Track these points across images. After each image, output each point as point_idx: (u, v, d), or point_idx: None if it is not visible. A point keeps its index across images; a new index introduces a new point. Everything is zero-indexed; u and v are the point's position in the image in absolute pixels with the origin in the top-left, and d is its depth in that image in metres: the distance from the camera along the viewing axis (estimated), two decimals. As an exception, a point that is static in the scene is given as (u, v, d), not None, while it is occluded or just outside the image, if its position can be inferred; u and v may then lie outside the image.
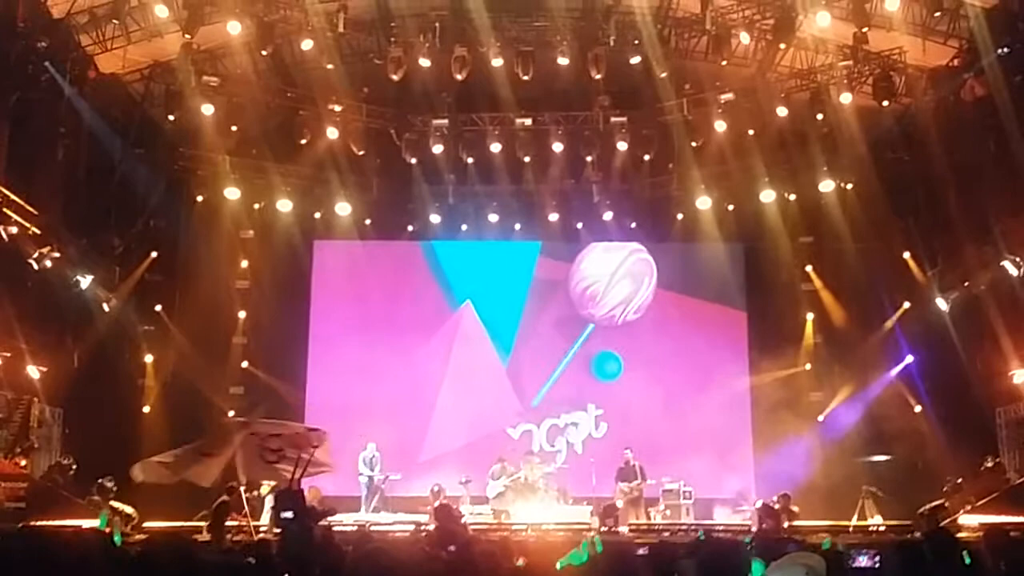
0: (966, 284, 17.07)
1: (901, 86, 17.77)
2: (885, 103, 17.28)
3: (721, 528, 16.24)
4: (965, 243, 16.76)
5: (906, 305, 18.81)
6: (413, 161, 19.67)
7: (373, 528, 14.91)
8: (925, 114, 17.53)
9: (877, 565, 5.46)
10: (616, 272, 21.09)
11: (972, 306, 17.00)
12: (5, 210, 15.20)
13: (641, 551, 5.43)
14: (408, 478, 18.74)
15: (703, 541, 7.01)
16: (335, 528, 9.52)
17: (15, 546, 4.45)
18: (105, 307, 17.85)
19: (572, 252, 21.29)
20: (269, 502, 16.73)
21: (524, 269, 21.35)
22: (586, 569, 5.66)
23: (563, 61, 17.61)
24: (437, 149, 19.30)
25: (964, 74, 16.54)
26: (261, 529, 15.77)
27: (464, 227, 21.23)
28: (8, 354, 15.39)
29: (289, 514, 5.69)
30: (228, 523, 14.26)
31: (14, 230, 15.38)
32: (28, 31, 15.70)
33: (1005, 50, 15.20)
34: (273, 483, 16.79)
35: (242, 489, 14.55)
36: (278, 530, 8.99)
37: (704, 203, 20.03)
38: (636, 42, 17.48)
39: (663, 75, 18.19)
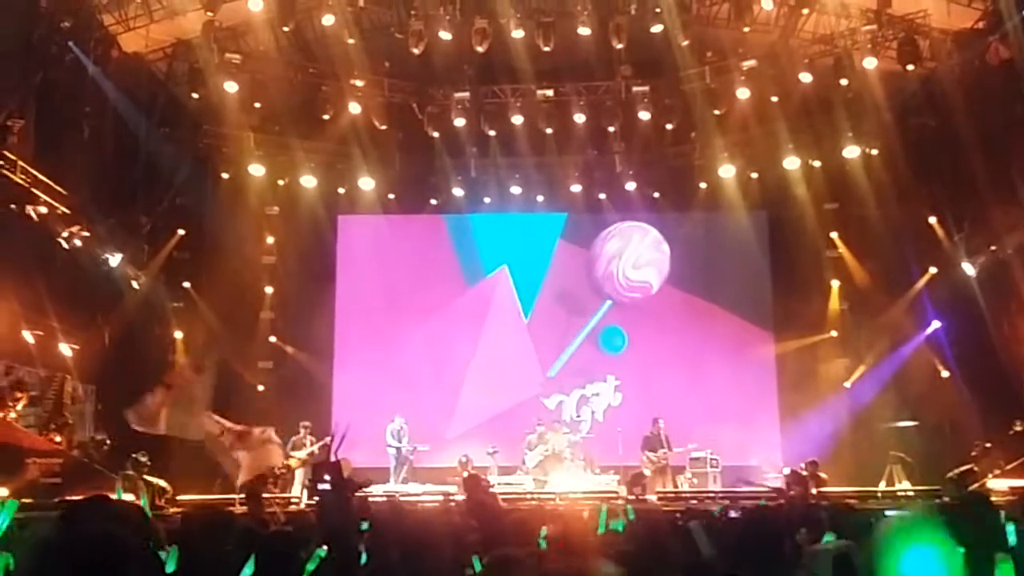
0: (993, 248, 16.95)
1: (926, 50, 17.53)
2: (910, 67, 17.09)
3: (747, 495, 16.29)
4: (991, 207, 16.60)
5: (932, 270, 18.67)
6: (435, 135, 19.71)
7: (402, 499, 15.09)
8: (950, 78, 17.30)
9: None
10: (605, 237, 21.37)
11: (999, 270, 16.88)
12: (34, 190, 15.36)
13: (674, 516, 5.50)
14: (436, 449, 18.93)
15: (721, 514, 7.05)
16: (369, 499, 9.68)
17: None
18: (134, 285, 18.06)
19: (595, 224, 21.35)
20: (299, 475, 17.01)
21: (548, 241, 21.45)
22: (618, 536, 5.72)
23: (584, 31, 17.47)
24: (459, 122, 19.32)
25: (989, 37, 16.31)
26: (292, 500, 16.06)
27: (487, 200, 21.32)
28: (40, 332, 15.60)
29: (326, 485, 5.80)
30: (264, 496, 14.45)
31: (43, 210, 15.55)
32: (51, 11, 15.77)
33: (1031, 12, 15.03)
34: (303, 456, 17.10)
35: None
36: (313, 500, 9.12)
37: (727, 171, 19.99)
38: (657, 10, 17.33)
39: (685, 43, 18.07)
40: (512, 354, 21.02)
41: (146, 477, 15.15)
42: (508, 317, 21.24)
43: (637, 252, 21.06)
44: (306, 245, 20.77)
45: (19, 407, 14.77)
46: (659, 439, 17.86)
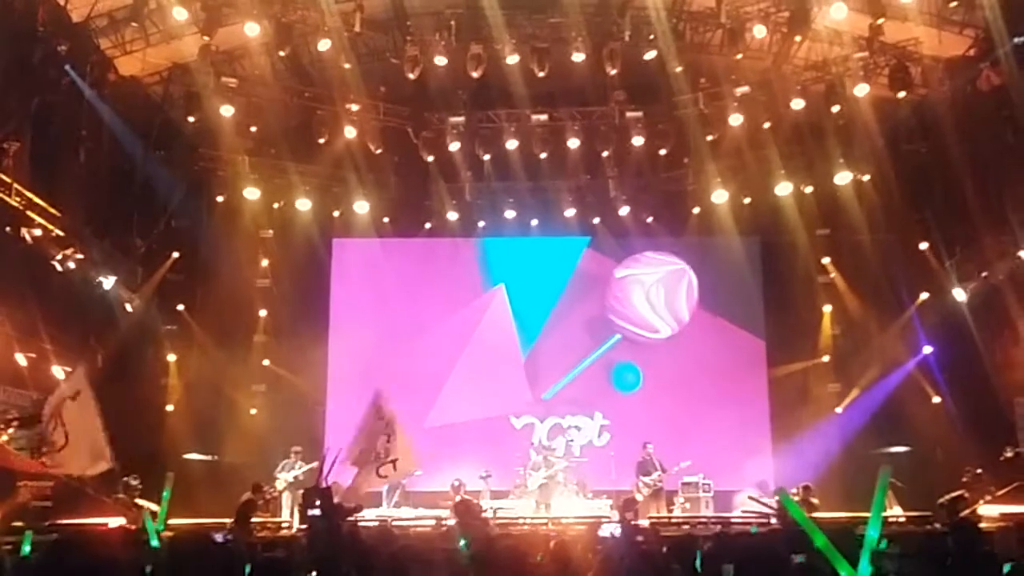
0: (984, 274, 17.02)
1: (917, 77, 17.68)
2: (901, 94, 17.22)
3: (740, 520, 16.26)
4: (983, 233, 16.72)
5: (924, 296, 18.76)
6: (430, 159, 19.79)
7: (394, 523, 15.04)
8: (941, 105, 17.45)
9: (897, 551, 5.50)
10: (624, 269, 21.30)
11: (990, 296, 16.96)
12: (28, 213, 15.37)
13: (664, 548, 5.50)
14: (429, 473, 18.80)
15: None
16: (359, 524, 9.67)
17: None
18: (128, 307, 18.02)
19: (617, 250, 21.34)
20: (287, 499, 16.94)
21: (565, 266, 21.43)
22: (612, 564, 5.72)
23: (578, 57, 17.64)
24: (454, 147, 19.42)
25: (980, 64, 16.47)
26: (283, 526, 15.99)
27: (481, 224, 21.36)
28: (33, 355, 15.55)
29: (317, 511, 5.80)
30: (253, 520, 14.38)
31: (38, 232, 15.54)
32: (48, 35, 15.84)
33: (1021, 39, 15.15)
34: (289, 479, 17.03)
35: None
36: (304, 526, 9.10)
37: (720, 197, 20.06)
38: (651, 37, 17.49)
39: (678, 69, 18.22)
40: (503, 368, 20.95)
41: (137, 500, 15.10)
42: (506, 331, 21.18)
43: (658, 293, 21.04)
44: (301, 268, 20.80)
45: (10, 430, 14.70)
46: (651, 463, 17.84)
